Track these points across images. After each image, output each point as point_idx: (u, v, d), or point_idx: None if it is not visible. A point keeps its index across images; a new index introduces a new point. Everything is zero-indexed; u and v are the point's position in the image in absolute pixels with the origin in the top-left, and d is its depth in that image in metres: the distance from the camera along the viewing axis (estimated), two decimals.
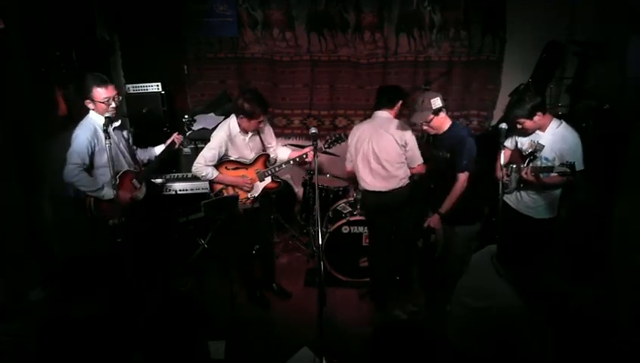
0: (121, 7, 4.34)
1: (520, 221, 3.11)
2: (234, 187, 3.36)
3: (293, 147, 3.73)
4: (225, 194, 3.36)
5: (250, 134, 3.27)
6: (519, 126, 2.95)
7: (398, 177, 3.28)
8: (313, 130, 2.81)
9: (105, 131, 2.74)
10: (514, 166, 2.97)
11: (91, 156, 2.97)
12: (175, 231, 4.14)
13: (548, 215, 3.10)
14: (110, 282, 3.20)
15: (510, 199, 3.16)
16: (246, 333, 3.28)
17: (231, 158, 3.32)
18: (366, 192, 3.41)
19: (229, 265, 3.42)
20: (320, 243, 2.65)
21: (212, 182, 3.36)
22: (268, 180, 3.39)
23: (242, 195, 3.35)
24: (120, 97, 3.13)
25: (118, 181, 2.99)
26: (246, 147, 3.31)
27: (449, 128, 3.09)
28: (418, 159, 3.27)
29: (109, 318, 3.02)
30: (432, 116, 2.98)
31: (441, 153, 3.12)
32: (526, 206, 3.11)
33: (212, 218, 4.01)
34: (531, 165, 2.91)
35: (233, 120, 3.23)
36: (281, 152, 3.49)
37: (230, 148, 3.29)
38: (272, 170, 3.36)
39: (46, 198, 3.45)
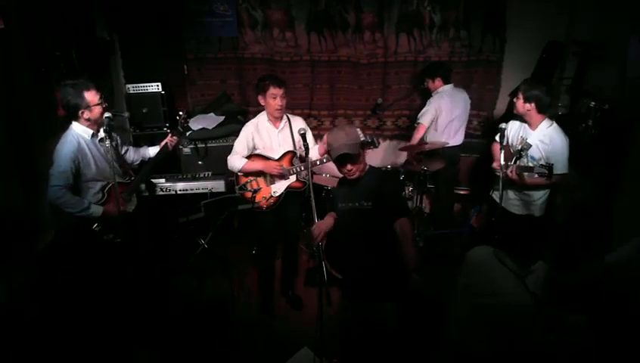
0: (121, 7, 4.34)
1: (508, 219, 3.12)
2: (260, 177, 3.31)
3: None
4: (250, 188, 3.29)
5: (280, 126, 3.26)
6: (516, 99, 3.01)
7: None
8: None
9: (106, 131, 2.71)
10: (504, 164, 2.99)
11: (76, 173, 2.81)
12: (175, 231, 4.14)
13: (535, 214, 3.12)
14: (109, 281, 3.20)
15: (496, 196, 3.17)
16: (246, 333, 3.28)
17: (258, 151, 3.30)
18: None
19: (230, 266, 3.42)
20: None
21: (239, 174, 3.32)
22: (292, 178, 3.32)
23: (265, 192, 3.30)
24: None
25: (106, 196, 2.95)
26: (274, 141, 3.29)
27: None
28: None
29: (108, 317, 3.02)
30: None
31: (357, 204, 2.58)
32: (511, 204, 3.13)
33: (213, 217, 4.02)
34: (517, 163, 2.92)
35: (263, 114, 3.28)
36: (314, 152, 3.36)
37: (257, 139, 3.27)
38: (298, 168, 3.29)
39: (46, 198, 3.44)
